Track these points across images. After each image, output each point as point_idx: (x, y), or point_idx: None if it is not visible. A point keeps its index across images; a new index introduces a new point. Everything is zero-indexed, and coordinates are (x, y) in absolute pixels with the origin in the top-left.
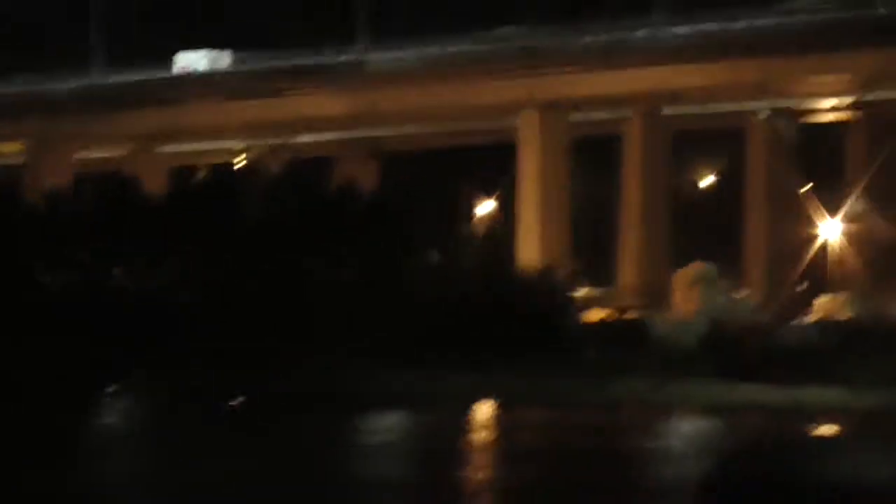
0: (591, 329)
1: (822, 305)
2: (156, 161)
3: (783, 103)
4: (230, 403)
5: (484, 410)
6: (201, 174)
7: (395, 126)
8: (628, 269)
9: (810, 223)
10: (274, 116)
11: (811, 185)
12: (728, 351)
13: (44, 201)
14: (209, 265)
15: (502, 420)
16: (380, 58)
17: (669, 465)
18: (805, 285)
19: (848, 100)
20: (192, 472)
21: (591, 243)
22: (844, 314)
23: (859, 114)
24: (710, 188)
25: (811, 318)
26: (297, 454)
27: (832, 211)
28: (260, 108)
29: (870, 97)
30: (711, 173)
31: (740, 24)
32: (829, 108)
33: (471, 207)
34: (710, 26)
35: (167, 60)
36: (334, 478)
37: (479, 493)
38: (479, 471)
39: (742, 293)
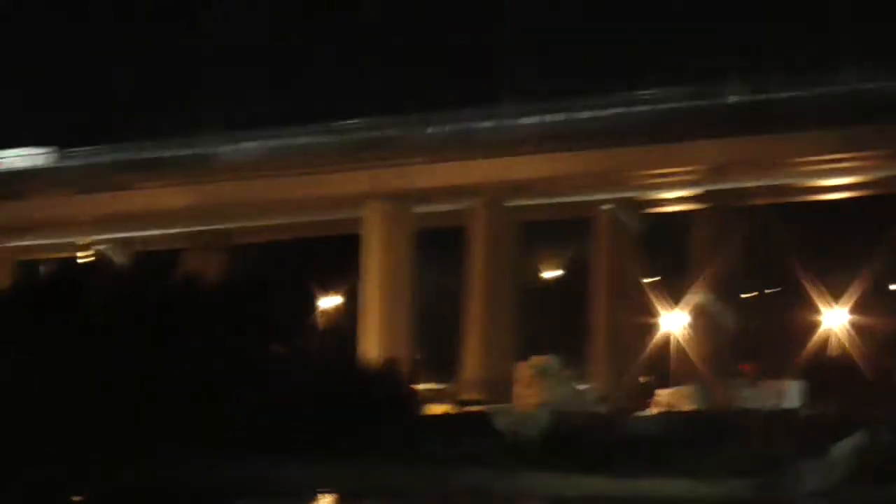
0: (433, 422)
1: (666, 397)
2: (3, 254)
3: (628, 194)
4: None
5: (324, 502)
6: (47, 268)
7: (242, 218)
8: (471, 362)
9: (654, 314)
10: (119, 210)
11: (656, 275)
12: (571, 443)
13: None
14: (54, 359)
15: None
16: (226, 150)
17: None
18: (649, 377)
19: (693, 191)
20: None
21: (435, 336)
22: (688, 405)
23: (704, 204)
24: (557, 279)
25: (654, 409)
26: None
27: (676, 302)
28: (106, 202)
29: (714, 187)
30: (558, 264)
31: (585, 115)
32: (674, 198)
33: (316, 299)
34: (556, 117)
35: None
36: None
37: None
38: None
39: (586, 385)
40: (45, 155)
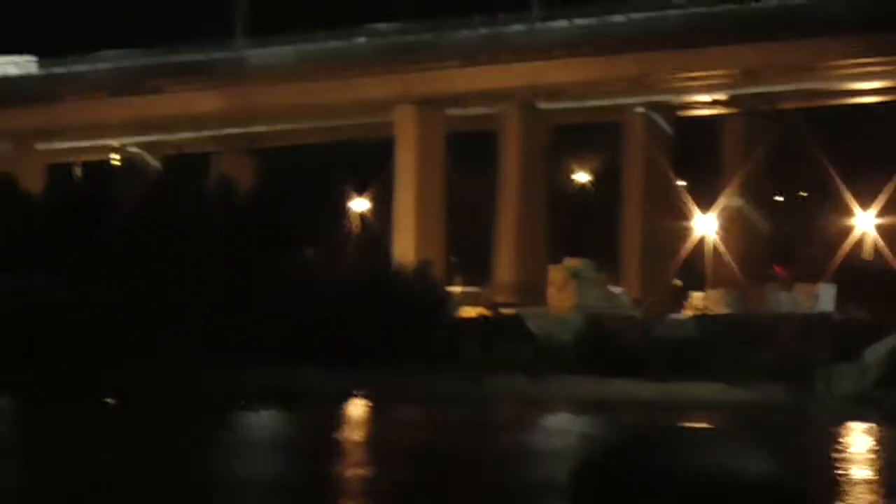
0: (466, 326)
1: (699, 300)
2: (35, 158)
3: (661, 97)
4: (107, 401)
5: (359, 407)
6: (80, 172)
7: (273, 122)
8: (505, 265)
9: (687, 218)
10: (154, 113)
11: (688, 180)
12: (604, 346)
13: None
14: (84, 265)
15: (377, 417)
16: (257, 54)
17: (543, 460)
18: (681, 280)
19: (725, 94)
20: (66, 470)
21: (468, 240)
22: (719, 309)
23: (735, 108)
24: (588, 183)
25: (688, 312)
26: (173, 453)
27: (709, 206)
28: (138, 105)
29: (745, 92)
30: (589, 168)
31: (618, 19)
32: (706, 102)
33: (349, 203)
34: (588, 21)
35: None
36: (209, 477)
37: (352, 492)
38: (351, 469)
39: (619, 288)
40: (77, 59)
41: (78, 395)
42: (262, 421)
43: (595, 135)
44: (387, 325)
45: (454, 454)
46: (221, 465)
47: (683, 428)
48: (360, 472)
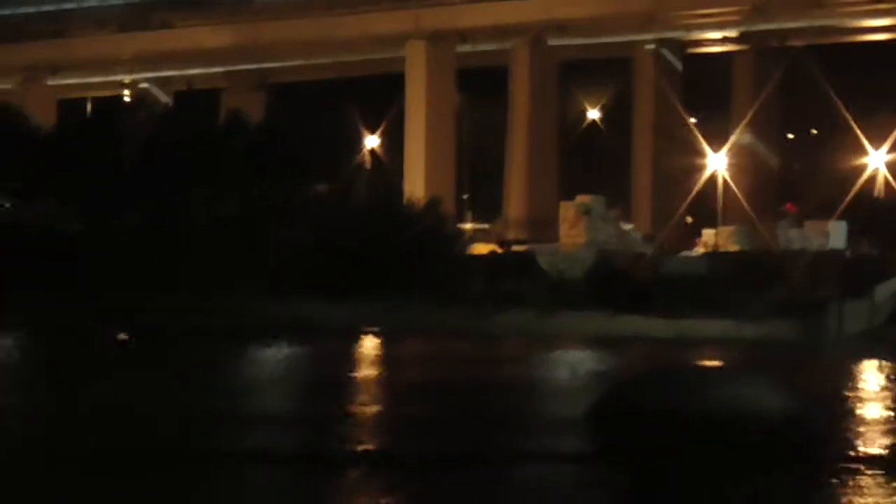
0: (478, 261)
1: (711, 237)
2: (45, 93)
3: (671, 34)
4: (117, 337)
5: (368, 342)
6: (90, 107)
7: (283, 58)
8: (515, 202)
9: (698, 155)
10: (162, 49)
11: (699, 117)
12: (615, 282)
13: None
14: (94, 198)
15: (387, 352)
16: None
17: (553, 395)
18: (692, 217)
19: (735, 31)
20: (78, 401)
21: (480, 176)
22: (731, 246)
23: (745, 45)
24: (598, 120)
25: (699, 249)
26: (184, 386)
27: (720, 143)
28: (148, 40)
29: (756, 28)
30: (600, 105)
31: None
32: (716, 39)
33: (359, 139)
34: None
35: None
36: (220, 410)
37: (364, 425)
38: (363, 404)
39: (630, 225)
40: None
41: (86, 325)
42: (272, 355)
43: (606, 71)
44: (397, 261)
45: (465, 389)
46: (227, 400)
47: (698, 366)
48: (372, 408)
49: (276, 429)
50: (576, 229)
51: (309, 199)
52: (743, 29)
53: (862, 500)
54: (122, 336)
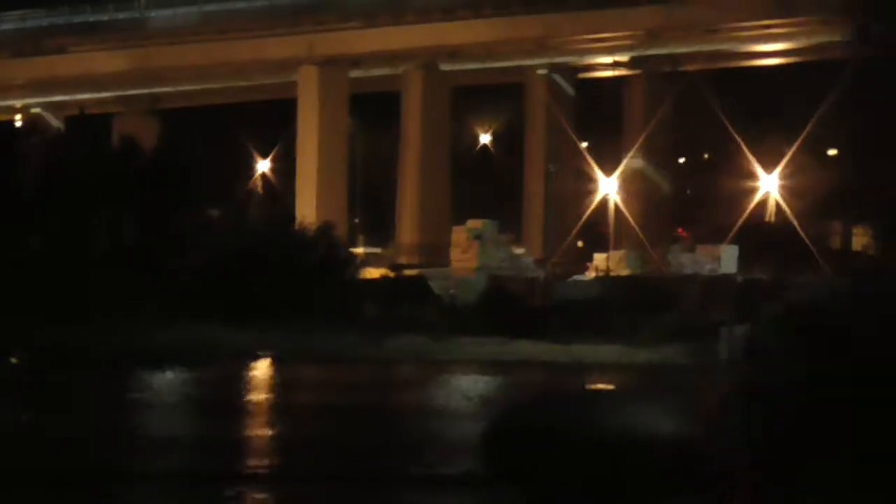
0: (370, 286)
1: (601, 262)
2: None
3: (563, 59)
4: (11, 359)
5: (261, 367)
6: None
7: (176, 83)
8: (408, 227)
9: (589, 180)
10: (56, 74)
11: (591, 141)
12: (507, 307)
13: None
14: None
15: (278, 376)
16: (160, 14)
17: (446, 418)
18: (584, 242)
19: (627, 56)
20: None
21: (372, 201)
22: (622, 270)
23: (638, 70)
24: (492, 144)
25: (591, 274)
26: (72, 409)
27: (612, 167)
28: (42, 65)
29: (648, 53)
30: (493, 130)
31: None
32: (608, 64)
33: (252, 164)
34: None
35: None
36: (111, 433)
37: (252, 449)
38: (253, 428)
39: (522, 249)
40: None
41: None
42: (163, 379)
43: (498, 96)
44: (289, 285)
45: (356, 413)
46: (119, 423)
47: (587, 388)
48: (263, 431)
49: (156, 449)
50: (468, 254)
51: (202, 224)
52: (635, 54)
53: None
54: (13, 360)
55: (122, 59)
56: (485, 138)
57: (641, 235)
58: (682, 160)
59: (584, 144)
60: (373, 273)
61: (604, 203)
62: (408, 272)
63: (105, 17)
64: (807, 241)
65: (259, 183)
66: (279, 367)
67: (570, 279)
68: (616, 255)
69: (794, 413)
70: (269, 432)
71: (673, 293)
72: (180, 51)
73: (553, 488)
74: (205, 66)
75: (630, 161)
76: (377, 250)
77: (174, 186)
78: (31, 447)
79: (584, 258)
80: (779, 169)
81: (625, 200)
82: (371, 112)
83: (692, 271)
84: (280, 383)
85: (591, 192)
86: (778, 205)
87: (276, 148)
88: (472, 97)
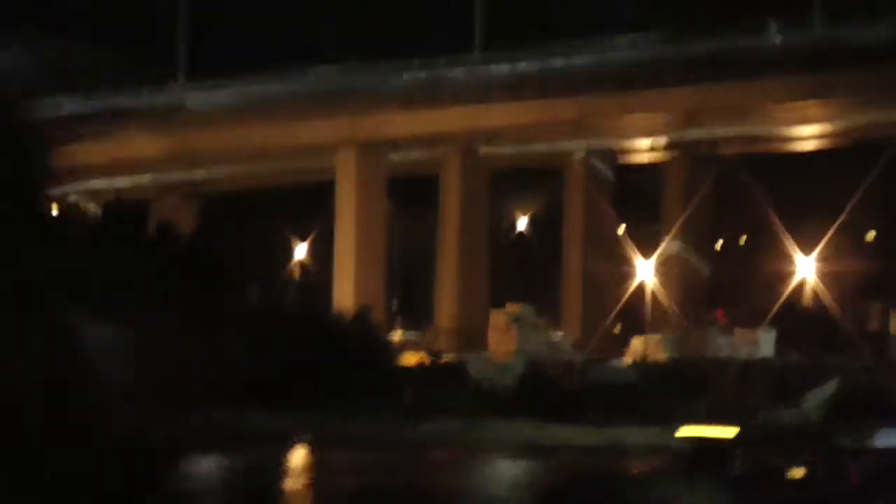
0: (407, 372)
1: (638, 346)
2: None
3: (601, 143)
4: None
5: (300, 452)
6: None
7: (214, 167)
8: (445, 311)
9: (627, 264)
10: (92, 160)
11: (629, 224)
12: (545, 391)
13: None
14: (24, 312)
15: (318, 462)
16: (198, 98)
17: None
18: (622, 325)
19: (664, 139)
20: None
21: (410, 285)
22: (660, 355)
23: (676, 153)
24: (529, 228)
25: (627, 358)
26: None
27: (649, 251)
28: (79, 151)
29: (685, 136)
30: (531, 213)
31: (558, 63)
32: (646, 147)
33: (290, 248)
34: (528, 65)
35: None
36: None
37: None
38: None
39: (560, 334)
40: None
41: None
42: (202, 465)
43: (536, 179)
44: (326, 370)
45: (396, 497)
46: None
47: (626, 474)
48: None
49: None
50: (506, 338)
51: (239, 309)
52: (673, 136)
53: None
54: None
55: (158, 144)
56: (523, 221)
57: (680, 319)
58: (720, 243)
59: (623, 227)
60: (411, 358)
61: (642, 286)
62: (445, 357)
63: (142, 102)
64: (844, 324)
65: (297, 267)
66: (316, 452)
67: (608, 363)
68: (654, 338)
69: None
70: None
71: (710, 377)
72: (217, 135)
73: None
74: (242, 150)
75: (668, 244)
76: (416, 334)
77: (211, 272)
78: None
79: (622, 342)
80: (816, 251)
81: (663, 283)
82: (409, 195)
83: (730, 355)
84: (316, 469)
85: (629, 276)
86: (815, 287)
87: (314, 231)
88: (510, 180)
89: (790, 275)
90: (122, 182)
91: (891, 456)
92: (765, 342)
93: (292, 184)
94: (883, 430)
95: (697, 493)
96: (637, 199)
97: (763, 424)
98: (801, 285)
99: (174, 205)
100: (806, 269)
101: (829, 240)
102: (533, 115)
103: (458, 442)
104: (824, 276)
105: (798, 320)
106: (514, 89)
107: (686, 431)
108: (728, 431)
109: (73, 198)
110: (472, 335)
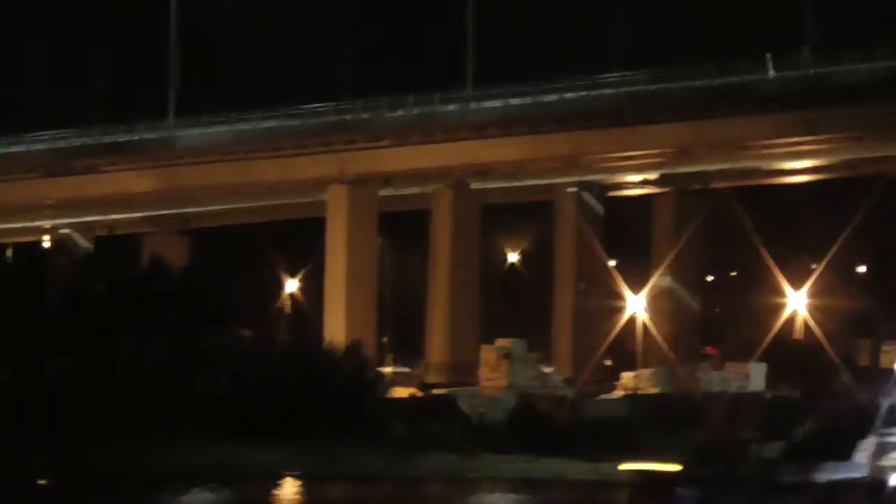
0: (398, 405)
1: (631, 380)
2: None
3: (592, 178)
4: (39, 482)
5: (291, 485)
6: (9, 253)
7: (206, 202)
8: (437, 345)
9: (619, 297)
10: (86, 194)
11: (620, 259)
12: (537, 426)
13: None
14: (11, 345)
15: (309, 495)
16: (190, 134)
17: None
18: (613, 359)
19: (656, 174)
20: None
21: (401, 319)
22: (650, 389)
23: (667, 187)
24: (520, 262)
25: (619, 392)
26: None
27: (640, 285)
28: (72, 185)
29: (676, 171)
30: (522, 247)
31: (550, 99)
32: (637, 181)
33: (282, 282)
34: (520, 100)
35: None
36: None
37: None
38: None
39: (550, 368)
40: (12, 139)
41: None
42: (199, 500)
43: (527, 214)
44: (317, 405)
45: None
46: None
47: None
48: None
49: None
50: (497, 373)
51: (230, 344)
52: (665, 171)
53: None
54: (41, 482)
55: (151, 179)
56: (514, 256)
57: (670, 353)
58: (710, 277)
59: (613, 262)
60: (402, 392)
61: (632, 321)
62: (436, 391)
63: (135, 137)
64: (835, 358)
65: (288, 301)
66: (307, 488)
67: (599, 397)
68: (645, 373)
69: None
70: None
71: (701, 411)
72: (210, 170)
73: None
74: (234, 186)
75: (659, 279)
76: (406, 369)
77: (202, 307)
78: None
79: (613, 376)
80: (807, 286)
81: (653, 318)
82: (401, 230)
83: (721, 389)
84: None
85: (619, 310)
86: (806, 322)
87: (305, 266)
88: (501, 214)
89: (780, 309)
90: (114, 216)
91: (831, 490)
92: (755, 376)
93: (284, 219)
94: (826, 465)
95: None
96: (628, 232)
97: (707, 460)
98: (791, 319)
99: (166, 239)
100: (796, 303)
101: (820, 274)
102: (525, 150)
103: (450, 476)
104: (814, 311)
105: (788, 354)
106: (506, 125)
107: (629, 466)
108: (671, 467)
109: (65, 231)
110: (463, 369)
